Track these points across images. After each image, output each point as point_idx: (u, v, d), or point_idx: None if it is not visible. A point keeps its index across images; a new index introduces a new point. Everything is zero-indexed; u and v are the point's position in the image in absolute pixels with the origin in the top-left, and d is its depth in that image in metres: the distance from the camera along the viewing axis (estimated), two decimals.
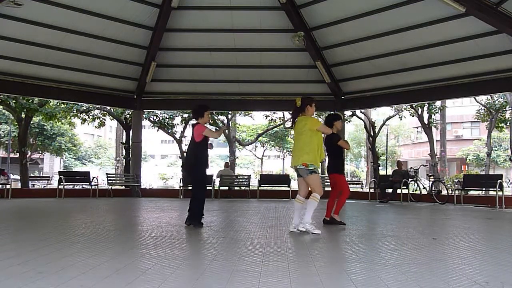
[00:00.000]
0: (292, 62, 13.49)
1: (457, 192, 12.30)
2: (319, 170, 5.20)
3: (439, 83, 12.17)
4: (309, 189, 5.34)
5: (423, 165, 16.09)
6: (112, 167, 36.91)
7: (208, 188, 13.76)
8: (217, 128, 17.73)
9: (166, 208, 9.28)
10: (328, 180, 6.67)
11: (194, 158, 5.86)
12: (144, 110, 16.30)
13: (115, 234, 5.31)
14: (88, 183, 14.11)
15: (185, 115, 18.68)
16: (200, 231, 5.42)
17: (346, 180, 6.68)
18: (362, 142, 42.85)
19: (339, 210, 6.25)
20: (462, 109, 36.20)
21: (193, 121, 6.11)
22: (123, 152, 21.52)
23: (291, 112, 5.68)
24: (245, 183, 15.16)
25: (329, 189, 6.63)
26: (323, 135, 5.55)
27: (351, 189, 6.53)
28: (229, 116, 20.72)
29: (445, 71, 11.78)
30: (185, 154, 19.12)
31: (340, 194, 6.23)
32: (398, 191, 12.80)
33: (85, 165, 42.65)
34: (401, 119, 22.00)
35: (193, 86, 14.50)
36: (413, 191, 13.49)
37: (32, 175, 27.31)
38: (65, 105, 17.30)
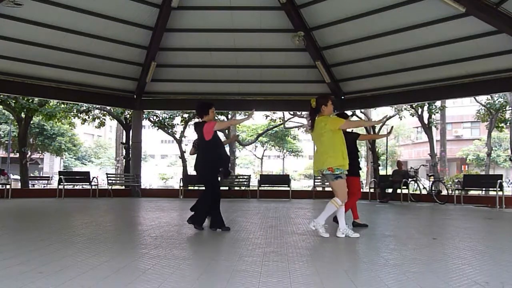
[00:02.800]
0: (292, 62, 13.48)
1: (457, 192, 12.29)
2: (345, 175, 4.93)
3: (439, 83, 12.16)
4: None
5: (423, 165, 16.06)
6: (112, 167, 36.91)
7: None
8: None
9: (166, 208, 9.28)
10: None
11: (201, 158, 5.65)
12: (144, 110, 16.29)
13: (115, 234, 5.31)
14: (88, 183, 14.11)
15: (185, 115, 18.69)
16: (200, 231, 5.41)
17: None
18: (362, 142, 42.75)
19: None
20: (462, 109, 36.17)
21: (196, 120, 5.82)
22: (123, 152, 21.52)
23: (308, 115, 5.35)
24: (245, 183, 15.15)
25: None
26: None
27: None
28: (229, 116, 20.72)
29: (445, 71, 11.77)
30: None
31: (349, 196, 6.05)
32: (398, 191, 12.81)
33: (85, 165, 42.64)
34: (401, 119, 21.99)
35: (193, 86, 14.49)
36: (413, 191, 13.48)
37: (32, 175, 27.29)
38: (65, 105, 17.30)
